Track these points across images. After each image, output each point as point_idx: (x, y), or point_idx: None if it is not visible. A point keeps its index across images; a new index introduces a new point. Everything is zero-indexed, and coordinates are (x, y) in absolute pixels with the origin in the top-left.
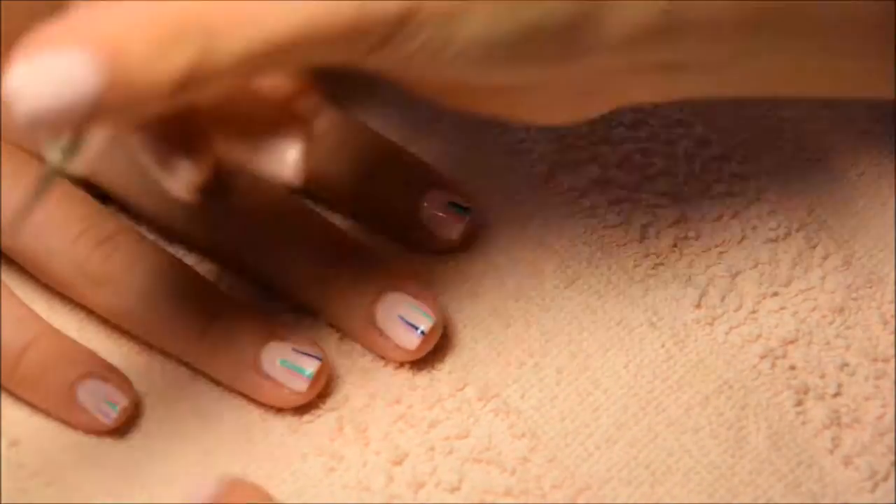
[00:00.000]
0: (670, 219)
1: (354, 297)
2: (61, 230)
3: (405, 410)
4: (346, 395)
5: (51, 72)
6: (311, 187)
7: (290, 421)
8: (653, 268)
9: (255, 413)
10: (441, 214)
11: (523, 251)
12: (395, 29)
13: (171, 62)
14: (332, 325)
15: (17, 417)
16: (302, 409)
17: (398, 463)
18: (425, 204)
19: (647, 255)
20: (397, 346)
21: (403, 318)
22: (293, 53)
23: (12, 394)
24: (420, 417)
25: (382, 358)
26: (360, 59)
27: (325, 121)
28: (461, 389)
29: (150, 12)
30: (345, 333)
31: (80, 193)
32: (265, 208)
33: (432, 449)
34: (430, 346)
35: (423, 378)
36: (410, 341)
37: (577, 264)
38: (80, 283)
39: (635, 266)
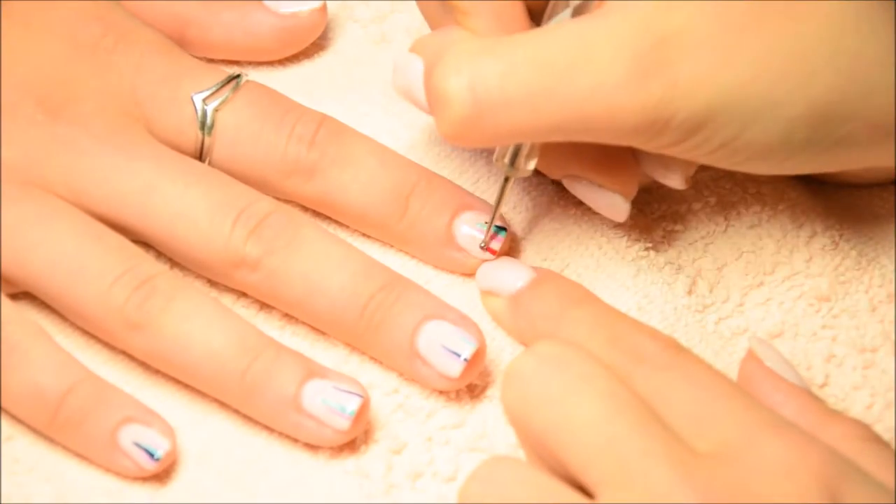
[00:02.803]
0: (657, 213)
1: (396, 329)
2: (97, 275)
3: (403, 400)
4: None
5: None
6: (347, 212)
7: None
8: (644, 250)
9: None
10: (478, 234)
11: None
12: (689, 134)
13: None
14: (374, 357)
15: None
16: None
17: (398, 452)
18: (462, 225)
19: (638, 239)
20: (441, 375)
21: (445, 347)
22: (578, 135)
23: (52, 439)
24: (417, 407)
25: (427, 387)
26: (657, 149)
27: (362, 147)
28: None
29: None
30: (387, 363)
31: (117, 237)
32: (307, 247)
33: (430, 439)
34: (475, 372)
35: None
36: (454, 369)
37: (566, 248)
38: (117, 327)
39: (627, 247)
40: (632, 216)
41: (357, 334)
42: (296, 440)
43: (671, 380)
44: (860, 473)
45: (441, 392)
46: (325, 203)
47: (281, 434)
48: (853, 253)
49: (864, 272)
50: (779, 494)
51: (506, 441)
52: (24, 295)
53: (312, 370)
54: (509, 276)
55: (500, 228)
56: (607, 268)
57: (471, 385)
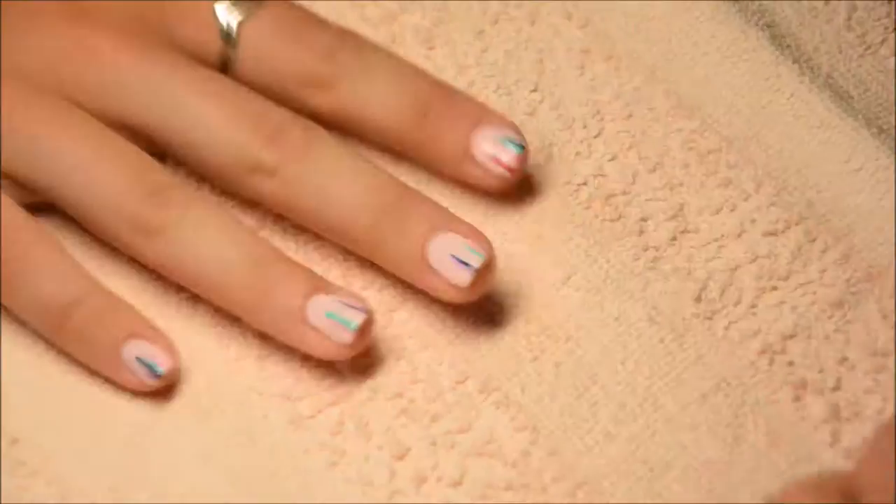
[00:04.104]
0: (668, 213)
1: (406, 238)
2: (112, 181)
3: (407, 404)
4: (347, 390)
5: None
6: (365, 125)
7: (291, 416)
8: (652, 261)
9: (256, 409)
10: (495, 150)
11: (520, 247)
12: None
13: None
14: (385, 267)
15: (17, 415)
16: (303, 403)
17: (400, 458)
18: (480, 140)
19: (646, 249)
20: (451, 285)
21: (455, 257)
22: None
23: (60, 348)
24: (422, 411)
25: (438, 299)
26: None
27: (382, 60)
28: (462, 383)
29: None
30: (398, 274)
31: (131, 146)
32: (323, 157)
33: (434, 443)
34: (484, 285)
35: (423, 372)
36: (463, 278)
37: (574, 259)
38: (129, 234)
39: (634, 259)
40: (639, 218)
41: (369, 245)
42: (298, 450)
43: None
44: None
45: (442, 393)
46: (343, 115)
47: (283, 443)
48: (863, 265)
49: (875, 284)
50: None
51: (514, 447)
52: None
53: (320, 285)
54: None
55: (518, 146)
56: (616, 279)
57: (477, 388)
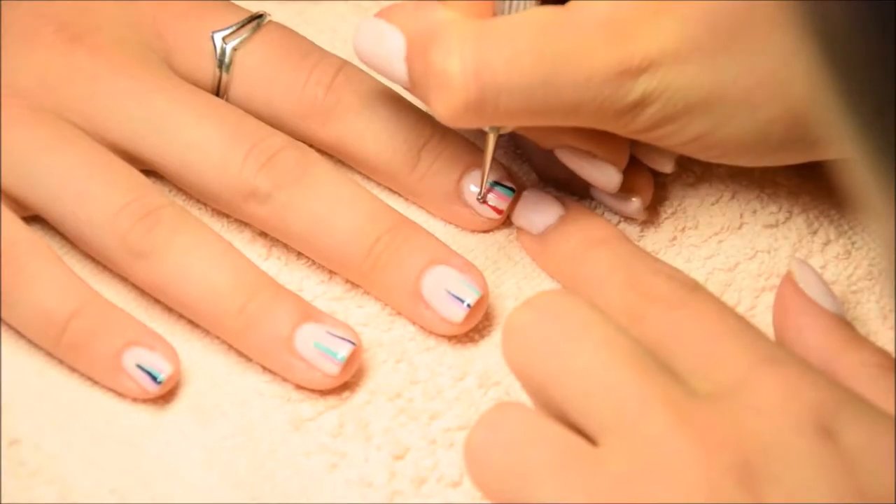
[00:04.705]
0: (668, 210)
1: (401, 270)
2: (105, 201)
3: (406, 404)
4: (347, 393)
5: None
6: (357, 159)
7: (291, 419)
8: (653, 253)
9: (256, 412)
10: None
11: (520, 247)
12: (661, 123)
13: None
14: (378, 298)
15: (18, 416)
16: (303, 405)
17: (400, 457)
18: (471, 183)
19: (644, 233)
20: (443, 320)
21: (450, 292)
22: (564, 120)
23: (59, 359)
24: (421, 410)
25: (430, 331)
26: (628, 134)
27: (379, 95)
28: (461, 379)
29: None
30: (389, 304)
31: (126, 166)
32: (318, 184)
33: (434, 442)
34: (476, 320)
35: (423, 372)
36: (456, 314)
37: None
38: (120, 255)
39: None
40: (639, 221)
41: (362, 273)
42: (298, 453)
43: (681, 319)
44: (859, 403)
45: (442, 391)
46: (337, 148)
47: (283, 445)
48: (864, 263)
49: (875, 282)
50: (771, 430)
51: None
52: (35, 221)
53: (308, 313)
54: (538, 215)
55: (509, 189)
56: None
57: (476, 383)
